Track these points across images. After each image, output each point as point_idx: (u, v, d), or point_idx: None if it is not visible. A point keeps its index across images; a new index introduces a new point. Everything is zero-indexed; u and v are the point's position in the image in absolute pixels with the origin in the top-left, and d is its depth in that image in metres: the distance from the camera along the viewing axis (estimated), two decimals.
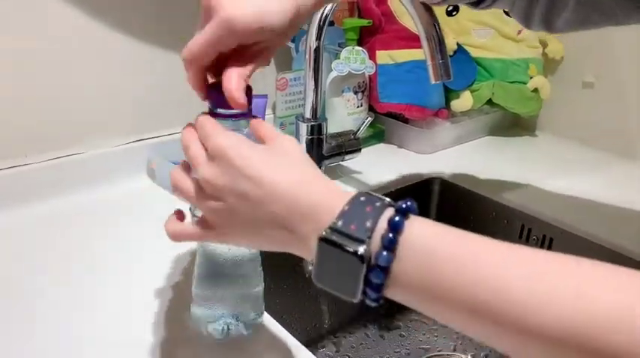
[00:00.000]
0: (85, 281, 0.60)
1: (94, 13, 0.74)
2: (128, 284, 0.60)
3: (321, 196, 0.37)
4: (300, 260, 0.79)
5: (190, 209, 0.49)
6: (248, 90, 0.46)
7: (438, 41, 0.59)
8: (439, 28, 0.59)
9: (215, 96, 0.45)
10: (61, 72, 0.74)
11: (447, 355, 0.87)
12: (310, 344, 0.84)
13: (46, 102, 0.74)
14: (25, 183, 0.73)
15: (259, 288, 0.53)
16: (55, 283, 0.59)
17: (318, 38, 0.73)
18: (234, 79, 0.42)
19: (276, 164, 0.39)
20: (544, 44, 1.05)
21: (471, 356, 0.87)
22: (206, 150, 0.41)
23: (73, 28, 0.73)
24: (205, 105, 0.47)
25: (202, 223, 0.42)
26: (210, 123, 0.43)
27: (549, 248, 0.81)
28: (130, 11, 0.77)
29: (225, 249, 0.49)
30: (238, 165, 0.38)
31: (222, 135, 0.41)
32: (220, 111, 0.46)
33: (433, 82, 0.62)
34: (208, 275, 0.51)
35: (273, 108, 0.95)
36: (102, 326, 0.53)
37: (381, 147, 1.01)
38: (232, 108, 0.45)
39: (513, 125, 1.13)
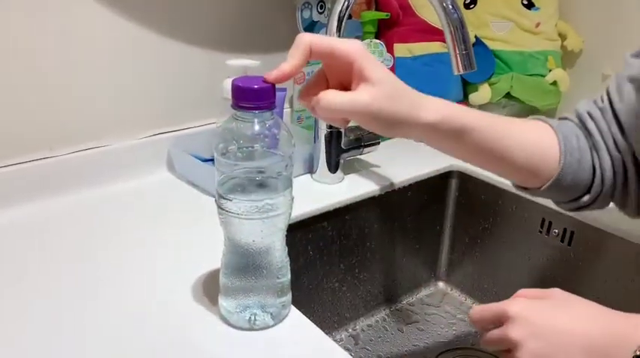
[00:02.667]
0: (110, 271, 0.60)
1: (117, 10, 0.74)
2: (152, 275, 0.60)
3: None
4: (318, 253, 0.79)
5: (215, 200, 0.50)
6: (272, 86, 0.46)
7: (461, 30, 0.58)
8: (462, 17, 0.58)
9: (242, 91, 0.46)
10: (85, 68, 0.74)
11: (466, 349, 0.87)
12: (329, 337, 0.84)
13: (69, 96, 0.74)
14: (50, 176, 0.74)
15: (285, 279, 0.53)
16: (81, 273, 0.60)
17: (338, 30, 0.73)
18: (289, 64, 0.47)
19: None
20: (563, 37, 1.04)
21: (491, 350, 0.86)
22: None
23: (98, 25, 0.73)
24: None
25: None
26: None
27: (570, 242, 0.80)
28: (152, 7, 0.77)
29: (250, 240, 0.49)
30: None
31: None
32: (245, 104, 0.46)
33: (456, 72, 0.62)
34: (234, 265, 0.51)
35: (290, 102, 0.95)
36: (128, 315, 0.54)
37: (398, 141, 1.00)
38: (257, 102, 0.46)
39: None
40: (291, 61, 0.47)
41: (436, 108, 0.50)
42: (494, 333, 0.46)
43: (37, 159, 0.73)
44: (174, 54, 0.81)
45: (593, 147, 0.57)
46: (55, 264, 0.61)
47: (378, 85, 0.47)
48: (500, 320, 0.45)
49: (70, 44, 0.72)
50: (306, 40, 0.47)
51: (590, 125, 0.57)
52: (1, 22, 0.67)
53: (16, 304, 0.55)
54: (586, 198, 0.58)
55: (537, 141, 0.57)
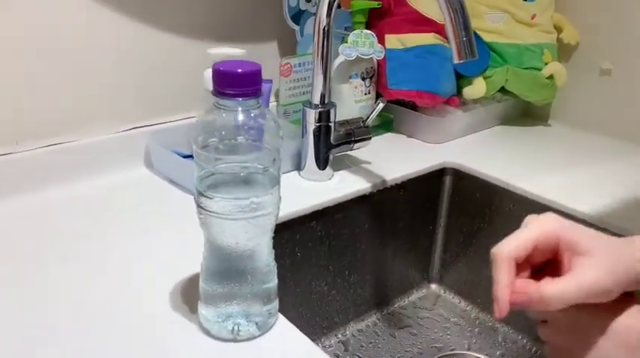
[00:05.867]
0: (79, 276, 0.55)
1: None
2: (126, 281, 0.55)
3: None
4: (306, 254, 0.75)
5: (194, 198, 0.45)
6: (258, 70, 0.42)
7: (462, 15, 0.54)
8: (463, 1, 0.54)
9: (224, 76, 0.41)
10: (58, 58, 0.69)
11: (461, 354, 0.83)
12: (317, 344, 0.80)
13: (42, 88, 0.69)
14: (16, 172, 0.68)
15: (272, 285, 0.48)
16: (44, 279, 0.54)
17: (328, 15, 0.68)
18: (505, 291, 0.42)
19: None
20: (559, 29, 1.01)
21: (486, 355, 0.83)
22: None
23: (70, 14, 0.68)
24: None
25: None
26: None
27: None
28: None
29: (234, 242, 0.45)
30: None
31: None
32: (227, 90, 0.41)
33: (456, 61, 0.57)
34: (215, 270, 0.46)
35: (276, 95, 0.90)
36: (99, 324, 0.49)
37: (389, 136, 0.96)
38: (241, 89, 0.41)
39: (525, 114, 1.08)
40: (502, 282, 0.42)
41: None
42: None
43: (1, 155, 0.67)
44: (152, 42, 0.76)
45: None
46: (17, 268, 0.56)
47: (596, 257, 0.41)
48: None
49: (35, 31, 0.67)
50: (504, 254, 0.42)
51: None
52: None
53: None
54: None
55: None
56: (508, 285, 0.42)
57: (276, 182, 0.45)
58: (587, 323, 0.42)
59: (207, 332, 0.48)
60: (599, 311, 0.41)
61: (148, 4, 0.74)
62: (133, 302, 0.52)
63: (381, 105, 0.78)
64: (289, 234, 0.71)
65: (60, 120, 0.71)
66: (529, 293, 0.41)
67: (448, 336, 0.86)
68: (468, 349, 0.84)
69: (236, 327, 0.47)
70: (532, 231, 0.43)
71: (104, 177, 0.74)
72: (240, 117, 0.42)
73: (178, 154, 0.74)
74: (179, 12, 0.77)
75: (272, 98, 0.90)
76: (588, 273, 0.40)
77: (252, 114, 0.43)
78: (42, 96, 0.69)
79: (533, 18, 0.98)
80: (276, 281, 0.49)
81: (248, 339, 0.48)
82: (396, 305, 0.91)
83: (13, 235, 0.62)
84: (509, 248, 0.42)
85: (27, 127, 0.69)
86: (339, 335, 0.84)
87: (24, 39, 0.66)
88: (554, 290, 0.40)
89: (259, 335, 0.48)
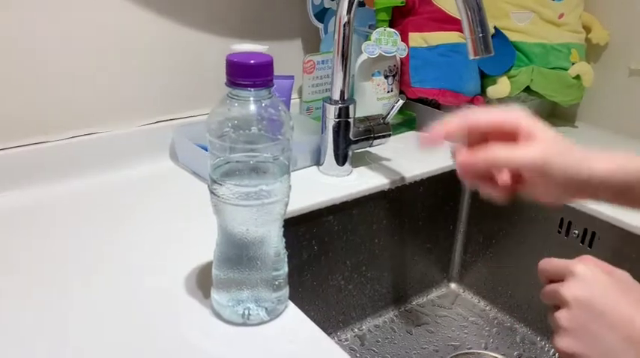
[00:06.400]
0: (104, 261, 0.58)
1: None
2: (148, 266, 0.57)
3: None
4: (323, 248, 0.76)
5: (208, 185, 0.46)
6: (270, 61, 0.43)
7: (478, 11, 0.54)
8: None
9: (236, 66, 0.43)
10: (86, 52, 0.72)
11: (478, 353, 0.82)
12: (333, 337, 0.81)
13: (70, 80, 0.72)
14: (45, 162, 0.71)
15: (282, 272, 0.50)
16: (72, 263, 0.57)
17: (349, 12, 0.69)
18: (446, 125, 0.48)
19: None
20: (588, 29, 0.99)
21: (503, 355, 0.82)
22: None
23: (99, 8, 0.71)
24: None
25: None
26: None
27: (591, 243, 0.76)
28: None
29: (244, 229, 0.46)
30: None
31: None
32: (239, 81, 0.43)
33: (472, 57, 0.58)
34: (227, 256, 0.48)
35: (299, 92, 0.92)
36: (118, 307, 0.51)
37: (411, 135, 0.96)
38: (253, 79, 0.43)
39: (552, 115, 1.07)
40: (447, 123, 0.48)
41: (608, 158, 0.48)
42: (551, 286, 0.44)
43: (32, 144, 0.71)
44: (179, 39, 0.79)
45: None
46: (46, 253, 0.59)
47: (548, 142, 0.46)
48: (562, 276, 0.44)
49: (69, 28, 0.70)
50: (473, 116, 0.48)
51: None
52: (0, 8, 0.64)
53: (4, 294, 0.52)
54: None
55: None
56: (452, 124, 0.47)
57: (286, 170, 0.46)
58: (600, 310, 0.41)
59: (219, 316, 0.50)
60: (618, 301, 0.41)
61: (173, 2, 0.76)
62: (151, 285, 0.54)
63: (400, 102, 0.78)
64: (307, 228, 0.73)
65: (88, 112, 0.74)
66: (478, 153, 0.47)
67: (465, 335, 0.86)
68: (485, 348, 0.83)
69: (246, 312, 0.49)
70: (500, 114, 0.48)
71: (131, 168, 0.77)
72: (252, 107, 0.44)
73: (202, 148, 0.76)
74: (203, 9, 0.80)
75: (295, 94, 0.91)
76: (536, 150, 0.46)
77: (263, 104, 0.44)
78: (71, 89, 0.72)
79: (560, 17, 0.97)
80: (286, 269, 0.50)
81: (258, 324, 0.49)
82: (414, 303, 0.91)
83: (43, 223, 0.65)
84: (478, 116, 0.47)
85: (56, 118, 0.72)
86: (356, 330, 0.84)
87: (54, 38, 0.69)
88: (505, 151, 0.46)
89: (269, 321, 0.50)
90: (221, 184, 0.45)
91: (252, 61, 0.43)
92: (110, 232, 0.63)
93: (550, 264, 0.46)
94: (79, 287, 0.54)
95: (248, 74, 0.43)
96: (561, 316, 0.42)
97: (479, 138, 0.48)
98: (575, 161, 0.47)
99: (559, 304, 0.43)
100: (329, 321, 0.81)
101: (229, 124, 0.44)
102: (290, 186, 0.47)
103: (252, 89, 0.43)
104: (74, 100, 0.73)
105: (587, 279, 0.42)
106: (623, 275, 0.45)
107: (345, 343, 0.82)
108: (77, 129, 0.74)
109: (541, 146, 0.46)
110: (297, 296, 0.51)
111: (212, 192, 0.46)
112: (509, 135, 0.47)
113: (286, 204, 0.47)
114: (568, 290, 0.42)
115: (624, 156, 0.48)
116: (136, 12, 0.74)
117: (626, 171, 0.47)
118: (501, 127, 0.47)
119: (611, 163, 0.47)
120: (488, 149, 0.46)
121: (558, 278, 0.44)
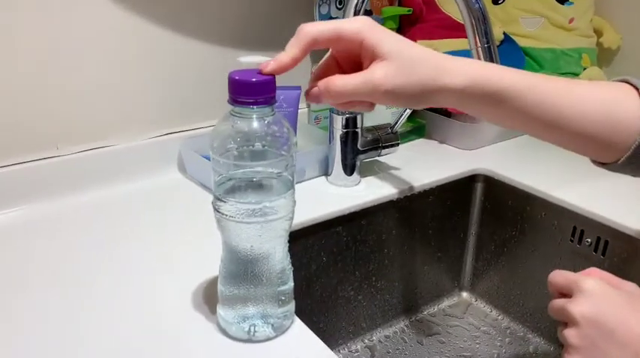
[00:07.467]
0: (110, 275, 0.58)
1: (126, 7, 0.72)
2: (156, 279, 0.57)
3: None
4: (332, 259, 0.75)
5: (212, 202, 0.46)
6: (272, 79, 0.43)
7: (483, 21, 0.54)
8: (484, 8, 0.54)
9: (239, 84, 0.43)
10: (93, 65, 0.72)
11: None
12: (343, 348, 0.81)
13: (78, 94, 0.72)
14: (56, 175, 0.72)
15: (287, 287, 0.49)
16: (79, 276, 0.57)
17: None
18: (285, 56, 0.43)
19: None
20: (599, 33, 0.98)
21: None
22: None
23: (107, 22, 0.71)
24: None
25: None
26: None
27: (604, 252, 0.75)
28: (160, 5, 0.75)
29: (248, 245, 0.46)
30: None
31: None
32: (242, 99, 0.43)
33: None
34: (232, 272, 0.48)
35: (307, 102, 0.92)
36: (124, 321, 0.51)
37: (421, 142, 0.96)
38: (255, 97, 0.43)
39: None
40: (290, 50, 0.43)
41: (464, 72, 0.44)
42: (558, 302, 0.43)
43: (42, 159, 0.71)
44: (186, 52, 0.79)
45: None
46: (55, 264, 0.59)
47: (390, 59, 0.42)
48: (570, 290, 0.43)
49: (78, 42, 0.70)
50: (307, 29, 0.43)
51: None
52: (7, 21, 0.65)
53: (13, 304, 0.53)
54: None
55: (606, 104, 0.48)
56: (295, 52, 0.43)
57: (290, 186, 0.46)
58: (609, 328, 0.41)
59: (225, 333, 0.50)
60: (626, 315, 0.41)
61: (180, 15, 0.77)
62: (157, 300, 0.54)
63: (408, 111, 0.78)
64: (315, 239, 0.72)
65: (98, 126, 0.75)
66: (319, 83, 0.43)
67: (477, 345, 0.85)
68: None
69: (252, 328, 0.49)
70: (341, 22, 0.43)
71: (139, 181, 0.77)
72: (255, 124, 0.44)
73: (210, 159, 0.76)
74: (211, 22, 0.80)
75: (302, 104, 0.91)
76: (378, 71, 0.42)
77: (266, 122, 0.44)
78: (82, 103, 0.73)
79: (571, 22, 0.96)
80: (291, 284, 0.50)
81: (264, 340, 0.49)
82: (425, 313, 0.91)
83: (53, 236, 0.65)
84: (313, 25, 0.43)
85: (67, 132, 0.73)
86: (366, 341, 0.84)
87: (63, 47, 0.70)
88: (339, 81, 0.42)
89: (275, 337, 0.49)
90: (225, 201, 0.45)
91: (254, 79, 0.42)
92: (118, 245, 0.63)
93: (560, 276, 0.45)
94: (85, 300, 0.54)
95: (250, 92, 0.43)
96: (570, 334, 0.41)
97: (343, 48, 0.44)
98: (426, 77, 0.43)
99: (567, 322, 0.42)
100: (339, 332, 0.80)
101: (232, 142, 0.44)
102: (295, 202, 0.47)
103: (255, 107, 0.43)
104: (83, 114, 0.74)
105: (595, 295, 0.41)
106: (632, 287, 0.44)
107: (356, 354, 0.81)
108: (87, 143, 0.74)
109: (383, 68, 0.42)
110: (307, 308, 0.51)
111: (216, 210, 0.46)
112: (357, 51, 0.43)
113: (291, 220, 0.47)
114: (576, 307, 0.41)
115: (486, 70, 0.45)
116: (144, 26, 0.74)
117: (482, 90, 0.44)
118: (340, 39, 0.43)
119: (465, 79, 0.44)
120: (329, 80, 0.43)
121: (568, 292, 0.44)
